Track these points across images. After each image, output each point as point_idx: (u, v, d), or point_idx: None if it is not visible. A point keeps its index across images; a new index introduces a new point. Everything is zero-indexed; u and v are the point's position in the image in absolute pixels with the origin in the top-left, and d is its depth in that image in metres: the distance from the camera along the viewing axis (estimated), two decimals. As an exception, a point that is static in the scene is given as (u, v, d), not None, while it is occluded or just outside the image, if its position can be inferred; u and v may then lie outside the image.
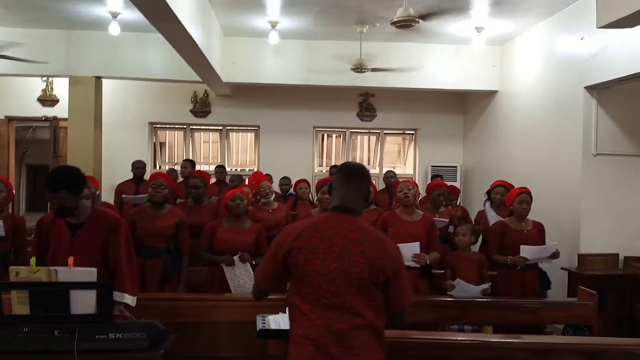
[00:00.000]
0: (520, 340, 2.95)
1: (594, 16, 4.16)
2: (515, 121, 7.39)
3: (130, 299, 3.12)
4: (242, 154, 10.05)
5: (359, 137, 9.91)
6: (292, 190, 6.85)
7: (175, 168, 8.33)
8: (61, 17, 6.90)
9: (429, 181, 7.43)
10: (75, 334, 2.61)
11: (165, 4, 4.41)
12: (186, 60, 6.45)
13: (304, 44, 7.79)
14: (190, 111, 9.18)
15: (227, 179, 7.25)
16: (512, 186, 5.08)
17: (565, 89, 6.03)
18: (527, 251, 4.31)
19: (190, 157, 8.81)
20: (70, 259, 2.86)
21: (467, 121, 9.27)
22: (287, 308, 2.23)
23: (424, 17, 6.31)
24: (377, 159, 9.70)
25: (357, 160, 9.92)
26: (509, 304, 4.00)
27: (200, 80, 7.61)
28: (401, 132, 9.76)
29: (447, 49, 7.83)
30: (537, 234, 4.51)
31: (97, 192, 4.89)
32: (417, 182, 9.19)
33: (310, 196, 6.66)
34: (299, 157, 9.12)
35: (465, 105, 9.30)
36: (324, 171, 9.41)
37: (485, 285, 4.27)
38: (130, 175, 7.02)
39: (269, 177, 6.41)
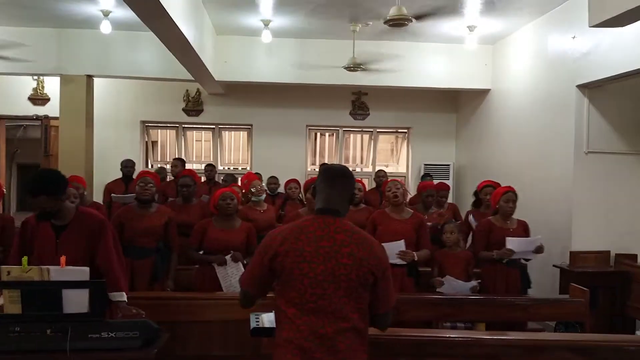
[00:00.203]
0: (512, 337, 2.96)
1: (585, 15, 4.19)
2: (507, 119, 7.42)
3: (125, 297, 3.13)
4: (234, 152, 10.03)
5: (352, 135, 9.90)
6: (280, 189, 6.86)
7: (165, 167, 8.29)
8: (52, 16, 6.85)
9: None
10: (68, 333, 2.60)
11: (157, 2, 4.38)
12: (178, 58, 6.42)
13: (297, 42, 7.79)
14: (183, 110, 9.14)
15: (220, 178, 7.22)
16: (500, 185, 5.09)
17: (557, 88, 6.06)
18: (512, 243, 4.35)
19: (183, 156, 8.79)
20: (63, 258, 2.85)
21: (460, 120, 9.30)
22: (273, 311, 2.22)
23: (417, 16, 6.33)
24: (370, 158, 9.71)
25: (350, 159, 9.97)
26: (501, 302, 4.01)
27: (193, 78, 7.58)
28: (394, 130, 9.77)
29: (439, 47, 7.85)
30: (522, 232, 4.55)
31: (84, 192, 4.85)
32: (410, 180, 9.28)
33: (300, 195, 6.67)
34: (292, 155, 9.10)
35: (458, 104, 9.32)
36: (317, 170, 9.40)
37: (474, 283, 4.33)
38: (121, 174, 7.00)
39: (259, 177, 6.41)
